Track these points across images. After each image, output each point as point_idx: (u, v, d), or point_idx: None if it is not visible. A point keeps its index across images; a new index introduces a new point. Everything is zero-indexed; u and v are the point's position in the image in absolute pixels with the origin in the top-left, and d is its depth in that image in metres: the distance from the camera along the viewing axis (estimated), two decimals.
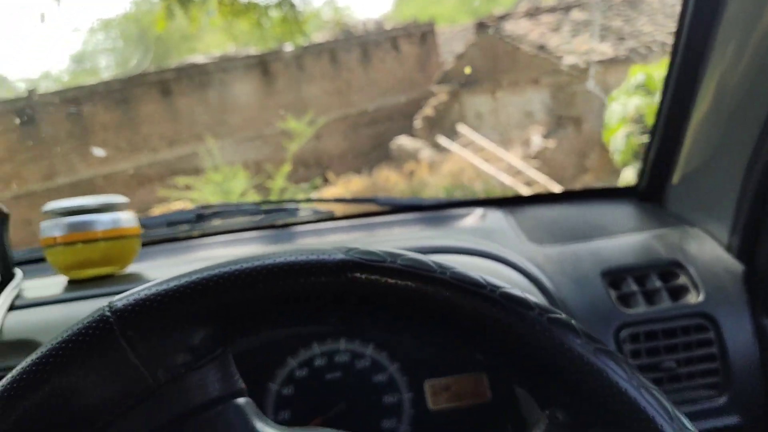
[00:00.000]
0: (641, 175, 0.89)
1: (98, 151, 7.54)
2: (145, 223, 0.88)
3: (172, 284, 0.29)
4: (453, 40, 11.48)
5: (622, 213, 0.88)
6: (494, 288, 0.32)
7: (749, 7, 0.65)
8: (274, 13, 7.02)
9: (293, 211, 0.94)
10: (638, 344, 0.65)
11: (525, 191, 5.98)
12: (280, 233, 0.90)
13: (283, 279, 0.31)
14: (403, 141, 8.44)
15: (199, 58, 8.59)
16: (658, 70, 5.24)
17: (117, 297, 0.29)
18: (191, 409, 0.29)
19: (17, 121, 7.51)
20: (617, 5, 7.57)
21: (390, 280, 0.31)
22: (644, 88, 5.25)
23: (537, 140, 6.65)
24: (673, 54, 0.76)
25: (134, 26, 11.92)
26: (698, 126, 0.77)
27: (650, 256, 0.73)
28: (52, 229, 0.63)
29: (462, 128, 8.31)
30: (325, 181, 6.87)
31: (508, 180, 6.33)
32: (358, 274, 0.31)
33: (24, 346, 0.55)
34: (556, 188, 5.73)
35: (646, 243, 0.76)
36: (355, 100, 9.79)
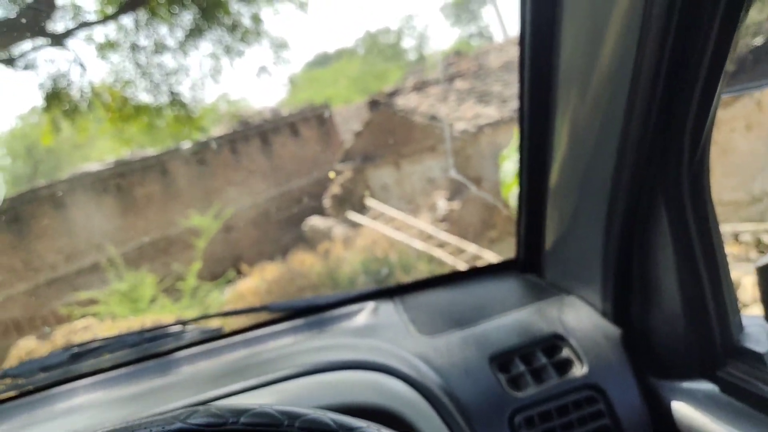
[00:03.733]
0: (518, 246, 0.91)
1: None
2: (11, 374, 0.81)
3: None
4: (350, 119, 11.86)
5: (505, 289, 0.90)
6: None
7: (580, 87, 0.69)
8: (167, 113, 6.98)
9: (179, 335, 0.89)
10: (534, 427, 0.65)
11: (439, 254, 6.09)
12: (165, 362, 0.85)
13: None
14: (315, 221, 8.46)
15: (93, 166, 8.31)
16: None
17: None
18: None
19: None
20: (495, 71, 8.16)
21: None
22: None
23: (442, 204, 6.87)
24: (521, 124, 0.79)
25: (21, 142, 11.43)
26: (556, 193, 0.79)
27: (533, 333, 0.74)
28: None
29: (370, 202, 8.47)
30: (239, 273, 6.69)
31: (421, 245, 6.44)
32: None
33: None
34: (468, 247, 5.88)
35: (528, 319, 0.77)
36: (261, 188, 9.78)
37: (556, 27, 0.67)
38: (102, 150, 10.37)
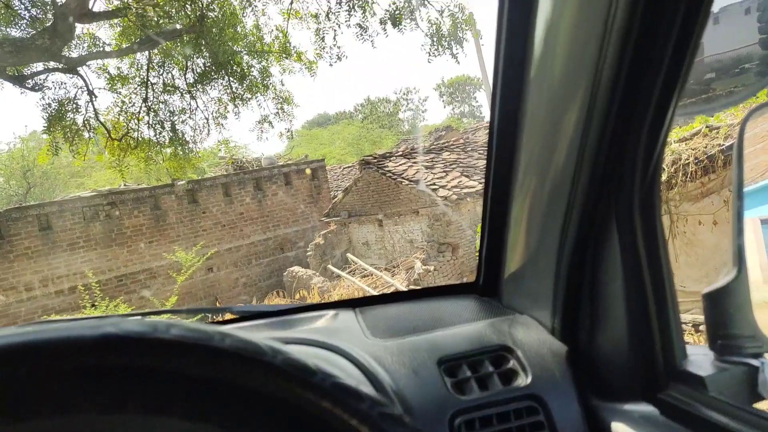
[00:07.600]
0: (478, 272, 0.96)
1: None
2: None
3: None
4: (341, 177, 12.15)
5: (462, 307, 0.92)
6: (326, 377, 0.30)
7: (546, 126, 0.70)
8: (166, 150, 7.05)
9: None
10: (474, 431, 0.66)
11: None
12: None
13: (37, 359, 0.28)
14: (295, 269, 8.58)
15: (85, 193, 8.34)
16: None
17: None
18: None
19: None
20: (480, 147, 8.53)
21: (205, 364, 0.28)
22: None
23: (419, 266, 7.06)
24: (488, 156, 0.83)
25: (18, 163, 11.40)
26: (516, 220, 0.84)
27: (483, 343, 0.75)
28: None
29: (351, 256, 8.63)
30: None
31: None
32: (126, 354, 0.28)
33: None
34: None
35: (480, 331, 0.79)
36: (248, 232, 9.90)
37: (525, 65, 0.71)
38: (98, 180, 10.45)
